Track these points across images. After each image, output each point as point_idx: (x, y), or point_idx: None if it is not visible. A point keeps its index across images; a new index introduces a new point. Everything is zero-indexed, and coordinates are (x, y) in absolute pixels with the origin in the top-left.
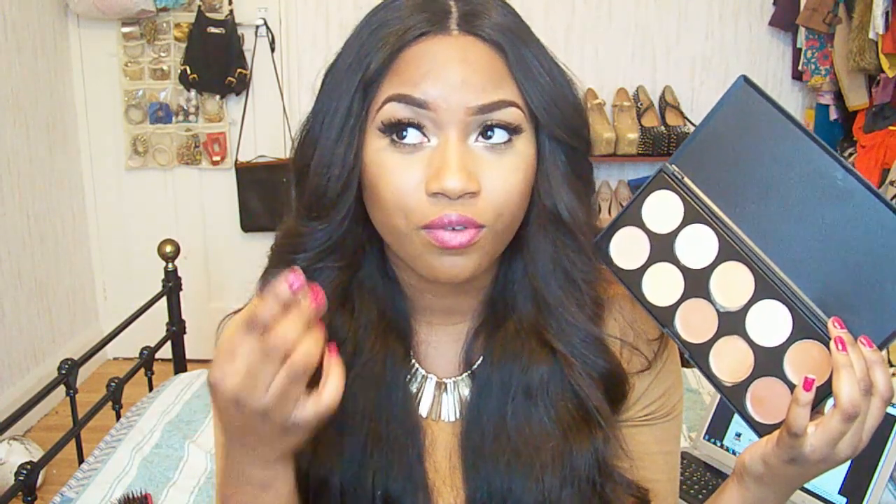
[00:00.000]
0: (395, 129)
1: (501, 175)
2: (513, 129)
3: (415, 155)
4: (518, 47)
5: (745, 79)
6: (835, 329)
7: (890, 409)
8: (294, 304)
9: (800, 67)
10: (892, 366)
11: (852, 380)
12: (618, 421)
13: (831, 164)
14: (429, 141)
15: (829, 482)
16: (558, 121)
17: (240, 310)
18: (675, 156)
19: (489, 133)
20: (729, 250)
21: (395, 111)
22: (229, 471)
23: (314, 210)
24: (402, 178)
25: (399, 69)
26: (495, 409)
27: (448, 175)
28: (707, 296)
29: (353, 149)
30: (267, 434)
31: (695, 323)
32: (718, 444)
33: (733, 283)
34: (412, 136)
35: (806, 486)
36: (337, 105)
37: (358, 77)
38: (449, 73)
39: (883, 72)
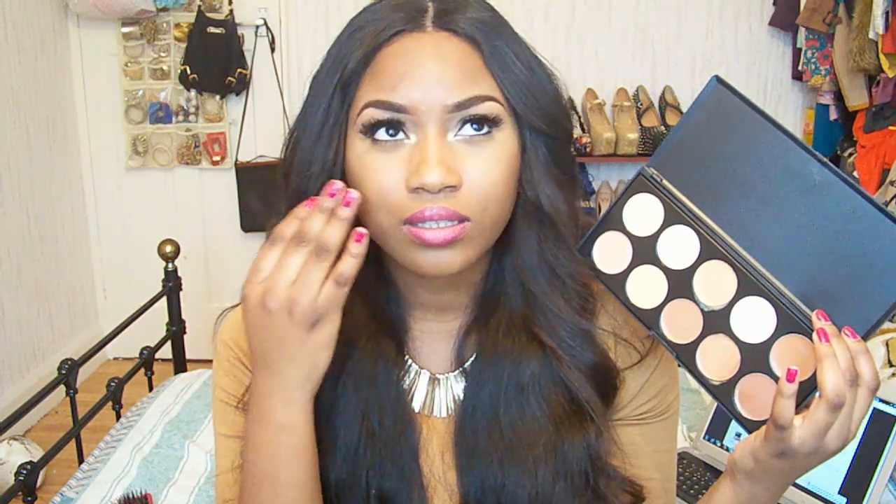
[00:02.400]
0: (375, 132)
1: (482, 167)
2: (492, 122)
3: (396, 153)
4: (493, 40)
5: (718, 78)
6: (818, 321)
7: (890, 409)
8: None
9: (800, 67)
10: (891, 366)
11: (836, 369)
12: (612, 418)
13: (807, 158)
14: (409, 139)
15: (829, 482)
16: (537, 111)
17: (236, 305)
18: (653, 159)
19: (470, 127)
20: (710, 249)
21: (375, 116)
22: (251, 414)
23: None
24: (383, 176)
25: (376, 71)
26: (488, 404)
27: (427, 170)
28: (691, 296)
29: (332, 148)
30: (292, 340)
31: (680, 323)
32: (718, 444)
33: (716, 282)
34: (392, 136)
35: (806, 486)
36: (317, 106)
37: (336, 78)
38: (425, 71)
39: (883, 72)
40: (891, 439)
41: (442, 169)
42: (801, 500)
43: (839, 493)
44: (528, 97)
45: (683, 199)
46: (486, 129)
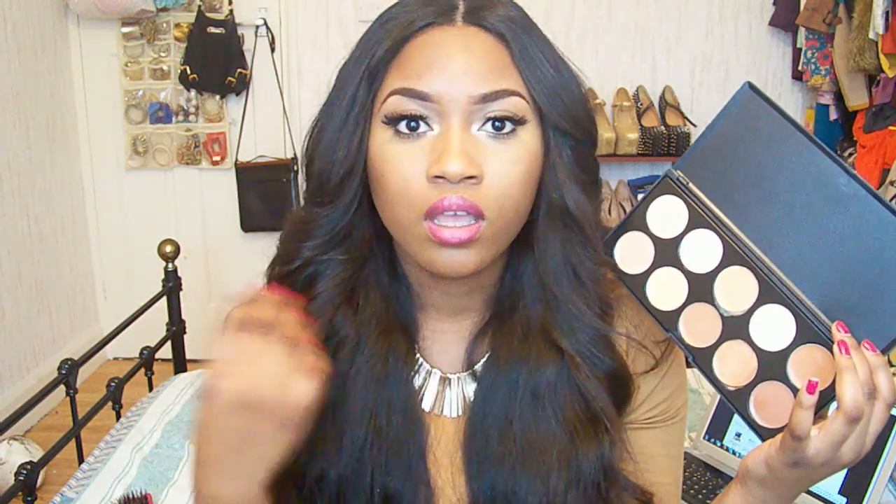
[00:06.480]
0: (399, 122)
1: (504, 163)
2: (517, 121)
3: (418, 143)
4: (522, 38)
5: (750, 85)
6: (838, 333)
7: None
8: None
9: (800, 67)
10: (892, 366)
11: (855, 382)
12: (623, 423)
13: (835, 169)
14: (432, 130)
15: (829, 482)
16: (562, 112)
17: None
18: (680, 161)
19: (493, 125)
20: (733, 255)
21: (399, 104)
22: None
23: (319, 195)
24: (405, 166)
25: (403, 61)
26: (501, 409)
27: (449, 159)
28: (711, 300)
29: (356, 135)
30: (264, 435)
31: (699, 327)
32: (718, 444)
33: (737, 288)
34: (416, 127)
35: None
36: (343, 94)
37: (363, 66)
38: (452, 62)
39: (883, 72)
40: (891, 439)
41: (464, 158)
42: (800, 500)
43: (839, 493)
44: (553, 97)
45: (709, 203)
46: (511, 127)
